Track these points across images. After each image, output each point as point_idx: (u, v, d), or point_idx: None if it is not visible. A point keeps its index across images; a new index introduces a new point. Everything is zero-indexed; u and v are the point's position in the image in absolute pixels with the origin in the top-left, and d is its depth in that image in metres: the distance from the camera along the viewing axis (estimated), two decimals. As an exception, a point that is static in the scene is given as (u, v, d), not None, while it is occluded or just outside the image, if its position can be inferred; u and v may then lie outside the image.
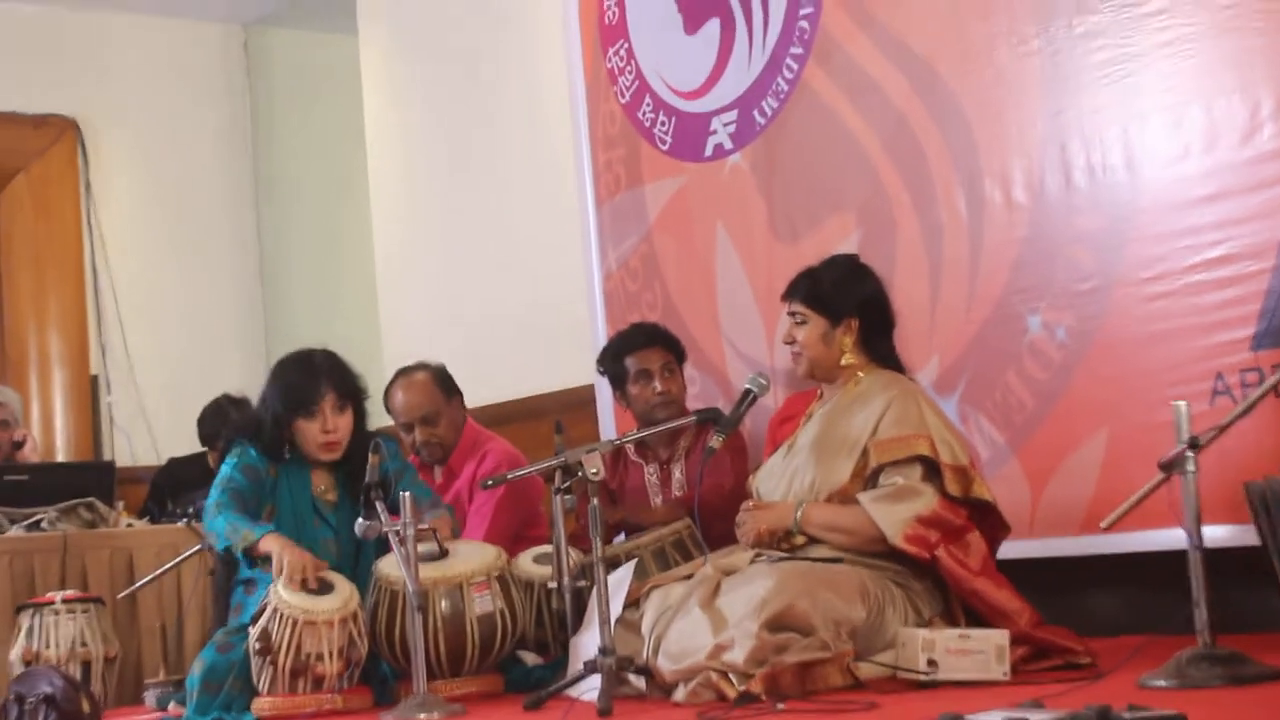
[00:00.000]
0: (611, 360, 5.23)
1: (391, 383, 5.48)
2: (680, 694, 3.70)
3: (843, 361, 4.20)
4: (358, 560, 4.63)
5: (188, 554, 5.59)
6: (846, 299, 4.19)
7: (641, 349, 5.16)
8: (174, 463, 7.24)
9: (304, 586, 4.27)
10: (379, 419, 5.00)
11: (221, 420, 6.50)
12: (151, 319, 8.69)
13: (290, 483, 4.65)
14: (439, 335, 7.16)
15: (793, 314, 4.25)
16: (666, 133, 5.80)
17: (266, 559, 4.40)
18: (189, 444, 7.19)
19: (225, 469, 4.62)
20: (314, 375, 4.62)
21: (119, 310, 8.56)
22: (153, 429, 8.39)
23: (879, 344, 4.24)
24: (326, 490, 4.71)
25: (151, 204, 8.84)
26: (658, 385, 5.10)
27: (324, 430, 4.61)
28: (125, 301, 8.59)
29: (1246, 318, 4.05)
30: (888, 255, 4.88)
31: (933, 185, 4.84)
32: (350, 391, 4.68)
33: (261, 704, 4.28)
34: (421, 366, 5.46)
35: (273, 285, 9.09)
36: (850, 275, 4.25)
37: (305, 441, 4.63)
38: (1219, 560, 3.33)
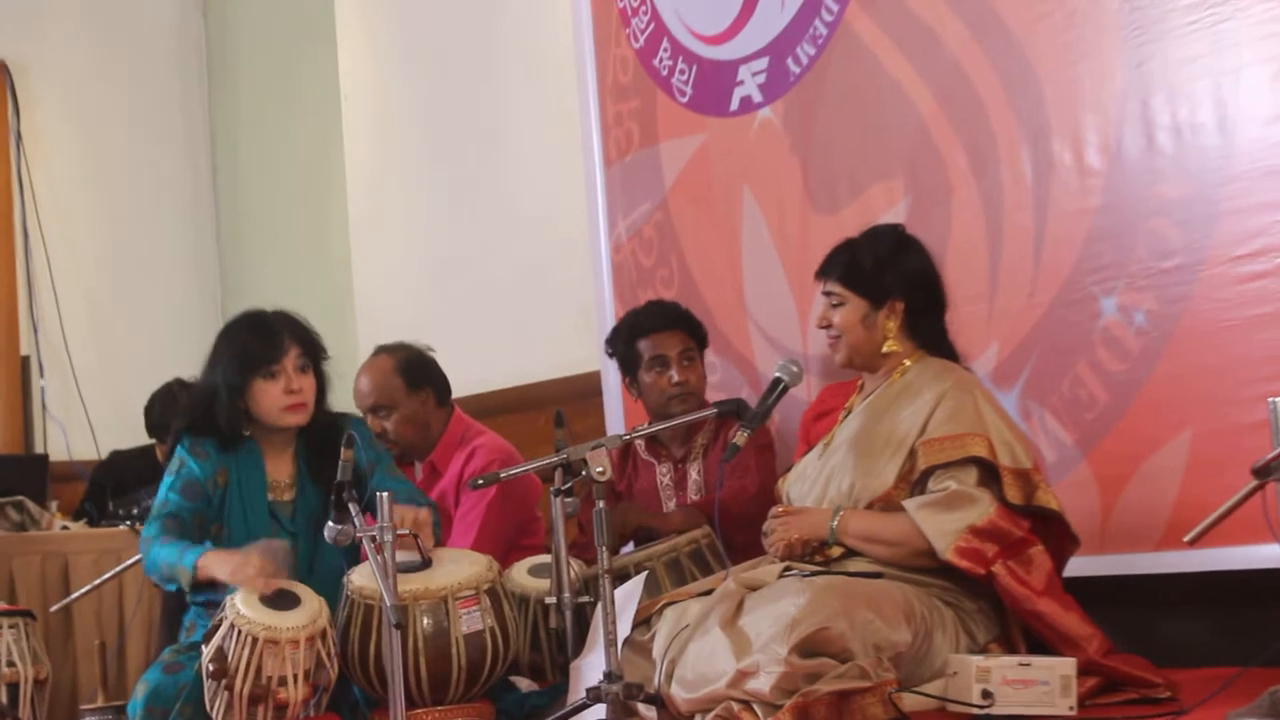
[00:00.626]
0: (623, 343, 5.24)
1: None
2: (697, 727, 3.71)
3: (886, 348, 4.20)
4: (313, 565, 4.62)
5: (131, 562, 5.60)
6: (891, 277, 4.19)
7: (658, 332, 5.17)
8: (116, 457, 7.25)
9: (264, 598, 4.27)
10: (350, 403, 5.02)
11: (172, 408, 6.51)
12: (91, 292, 8.70)
13: (242, 487, 4.64)
14: (422, 314, 7.17)
15: (829, 294, 4.25)
16: (686, 83, 5.79)
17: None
18: (133, 436, 7.20)
19: (162, 487, 4.63)
20: (272, 330, 4.63)
21: (53, 281, 8.57)
22: (92, 418, 8.40)
23: (928, 329, 4.24)
24: (284, 487, 4.71)
25: (92, 159, 8.85)
26: (675, 374, 5.10)
27: (287, 390, 4.61)
28: (61, 271, 8.60)
29: (1356, 302, 4.05)
30: (940, 227, 4.88)
31: (993, 146, 4.83)
32: (313, 350, 4.69)
33: (215, 734, 4.28)
34: (396, 349, 5.48)
35: (232, 256, 9.10)
36: (895, 249, 4.25)
37: (265, 408, 4.62)
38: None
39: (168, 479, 4.62)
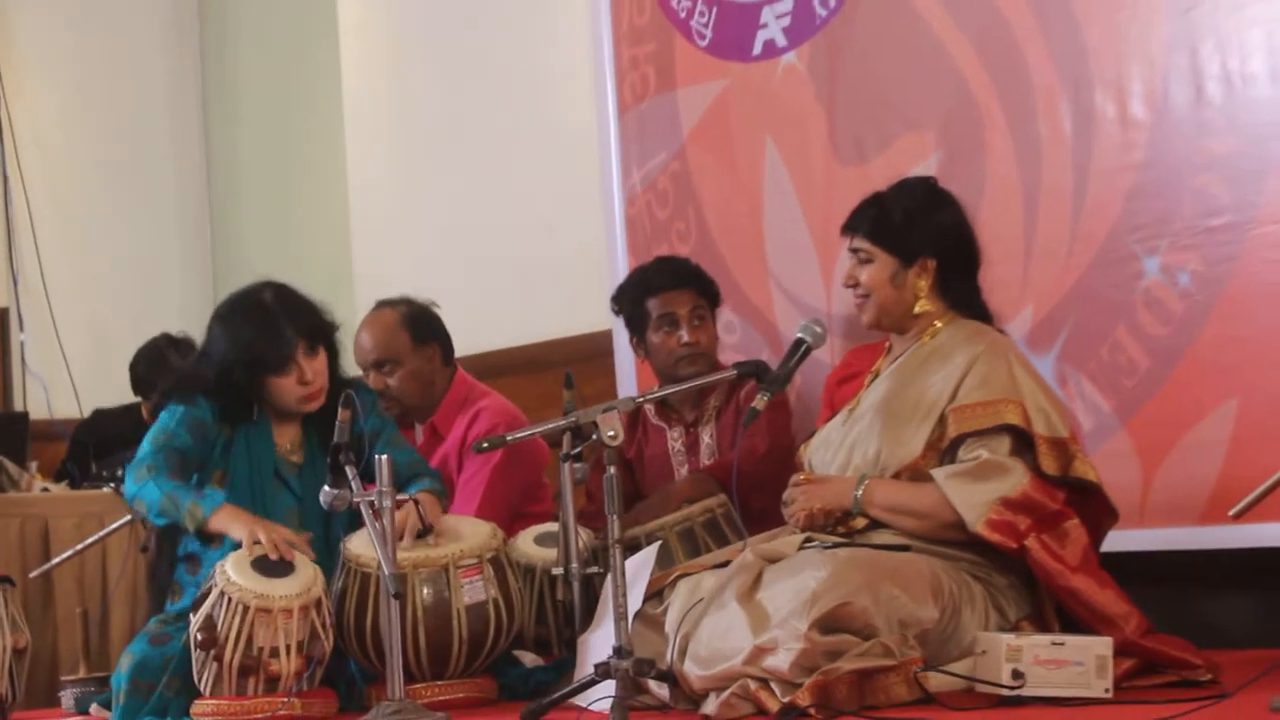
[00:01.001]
0: (630, 302, 5.24)
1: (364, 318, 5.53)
2: (711, 705, 3.72)
3: (916, 309, 4.20)
4: (327, 536, 4.65)
5: (115, 526, 5.61)
6: (922, 233, 4.19)
7: (667, 290, 5.17)
8: (99, 415, 7.25)
9: (255, 564, 4.27)
10: (347, 365, 5.02)
11: (159, 365, 6.52)
12: (74, 241, 8.69)
13: (249, 438, 4.66)
14: (424, 270, 7.15)
15: (856, 251, 4.24)
16: (706, 25, 5.78)
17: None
18: (118, 393, 7.20)
19: (165, 419, 4.62)
20: (274, 324, 4.63)
21: (34, 229, 8.56)
22: (74, 375, 8.40)
23: (961, 288, 4.24)
24: (292, 449, 4.72)
25: (76, 102, 8.83)
26: (684, 334, 5.10)
27: (301, 383, 4.63)
28: (43, 219, 8.59)
29: None
30: (974, 181, 4.87)
31: (1031, 96, 4.82)
32: (317, 331, 4.69)
33: (203, 708, 4.30)
34: (399, 302, 5.48)
35: (222, 206, 9.09)
36: (926, 203, 4.24)
37: (280, 399, 4.66)
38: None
39: (175, 409, 4.61)
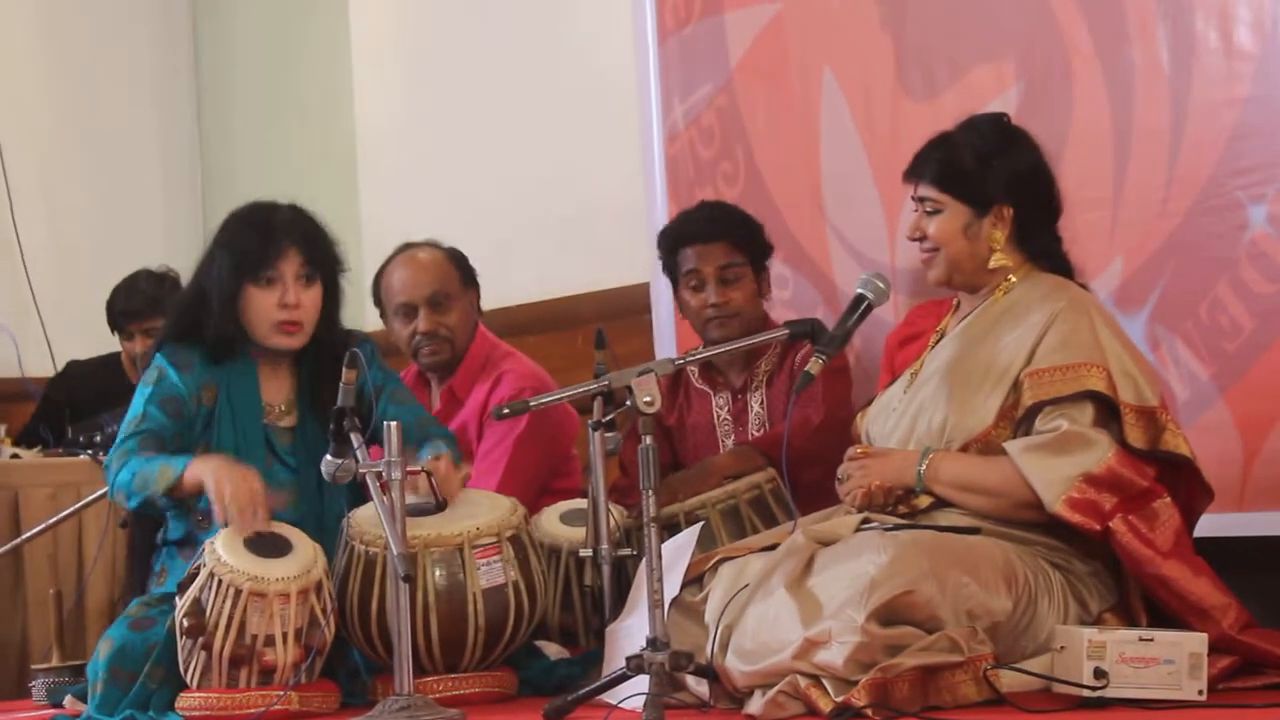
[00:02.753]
0: (666, 251, 5.26)
1: (388, 262, 5.58)
2: (756, 704, 3.74)
3: (993, 263, 4.21)
4: (323, 511, 4.67)
5: (93, 497, 5.63)
6: (997, 177, 4.19)
7: (699, 242, 5.18)
8: (74, 369, 7.25)
9: (249, 543, 4.29)
10: (354, 319, 5.03)
11: (136, 299, 6.56)
12: (47, 177, 8.71)
13: (233, 407, 4.67)
14: (439, 215, 7.15)
15: (922, 200, 4.24)
16: (758, -59, 5.78)
17: (205, 511, 4.44)
18: (96, 344, 7.22)
19: (136, 401, 4.65)
20: (271, 228, 4.65)
21: (3, 164, 8.59)
22: (47, 325, 8.41)
23: (1039, 238, 4.24)
24: (283, 412, 4.73)
25: (49, 17, 8.83)
26: (711, 294, 5.12)
27: (281, 304, 4.62)
28: (11, 152, 8.61)
29: None
30: (1057, 118, 4.86)
31: (1123, 21, 4.80)
32: (320, 258, 4.70)
33: (190, 701, 4.32)
34: (435, 243, 5.55)
35: (214, 137, 9.10)
36: (1000, 144, 4.25)
37: (254, 321, 4.64)
38: None
39: (144, 389, 4.63)
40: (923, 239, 4.24)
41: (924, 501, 4.08)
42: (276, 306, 4.61)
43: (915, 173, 4.27)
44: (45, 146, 8.72)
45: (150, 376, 4.66)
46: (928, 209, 4.22)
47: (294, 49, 8.65)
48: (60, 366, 7.59)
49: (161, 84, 9.08)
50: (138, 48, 9.02)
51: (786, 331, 4.54)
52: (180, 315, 4.73)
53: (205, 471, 4.40)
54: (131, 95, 8.98)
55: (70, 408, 6.83)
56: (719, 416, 5.25)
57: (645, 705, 3.66)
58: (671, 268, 5.26)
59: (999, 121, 4.32)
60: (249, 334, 4.65)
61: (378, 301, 5.58)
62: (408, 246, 5.59)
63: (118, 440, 4.61)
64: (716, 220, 5.25)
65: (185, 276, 4.90)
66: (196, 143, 9.13)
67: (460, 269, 5.54)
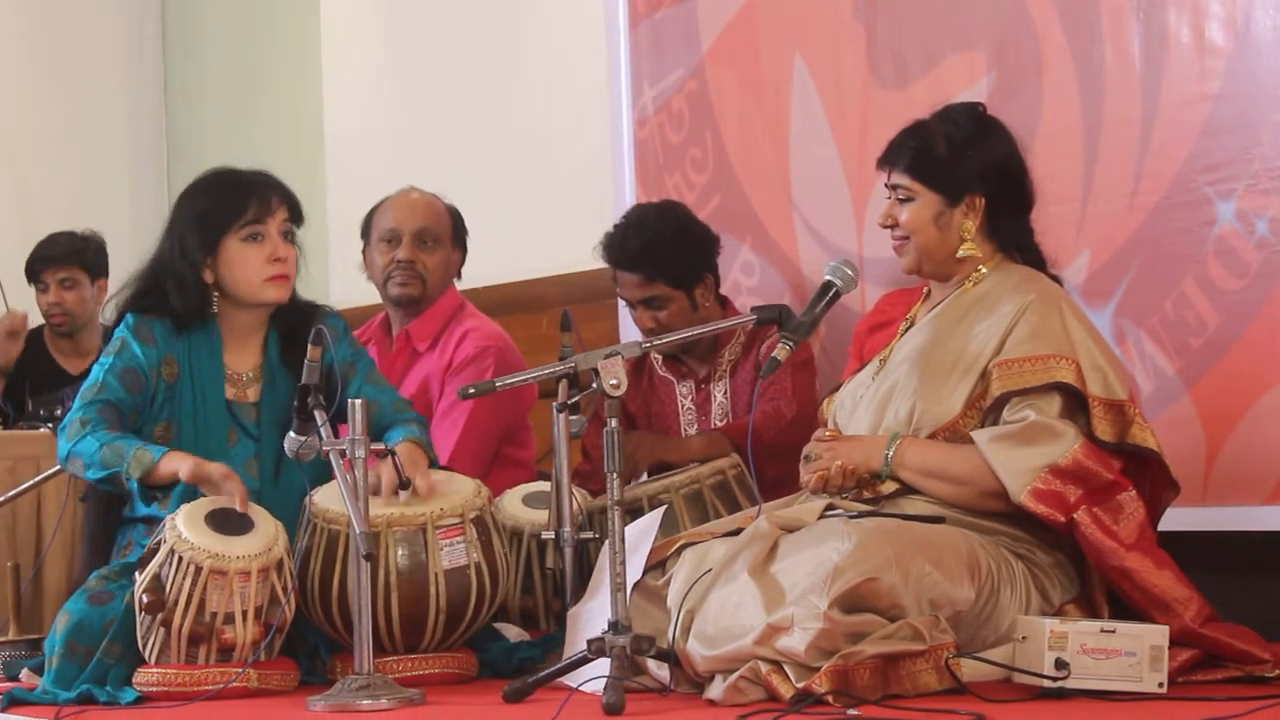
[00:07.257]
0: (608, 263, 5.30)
1: (380, 203, 5.65)
2: (717, 690, 3.73)
3: (962, 252, 4.20)
4: (276, 484, 4.63)
5: (52, 471, 5.60)
6: (969, 167, 4.18)
7: (619, 268, 5.22)
8: (34, 338, 7.23)
9: (210, 519, 4.27)
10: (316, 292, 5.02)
11: (57, 248, 6.83)
12: (11, 149, 8.67)
13: (195, 380, 4.64)
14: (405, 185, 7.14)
15: (895, 187, 4.23)
16: (731, -74, 5.77)
17: (168, 488, 4.42)
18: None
19: (95, 371, 4.61)
20: (253, 185, 4.63)
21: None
22: (6, 293, 8.36)
23: (1011, 229, 4.24)
24: (247, 382, 4.69)
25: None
26: (643, 319, 5.17)
27: (272, 258, 4.59)
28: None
29: None
30: (1028, 110, 4.87)
31: (1096, 15, 4.81)
32: (298, 218, 4.70)
33: (147, 676, 4.29)
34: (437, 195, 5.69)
35: (180, 112, 9.07)
36: (974, 133, 4.24)
37: (242, 278, 4.60)
38: None
39: (105, 359, 4.60)
40: (894, 226, 4.23)
41: (889, 487, 4.07)
42: (266, 261, 4.59)
43: (889, 160, 4.26)
44: (11, 119, 8.69)
45: (113, 346, 4.62)
46: (900, 196, 4.22)
47: (263, 23, 8.63)
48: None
49: (129, 57, 9.05)
50: (106, 20, 8.99)
51: (754, 318, 4.52)
52: (143, 281, 4.69)
53: (181, 460, 4.40)
54: (99, 69, 8.96)
55: (31, 379, 6.82)
56: (683, 405, 5.25)
57: (605, 688, 3.66)
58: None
59: (974, 111, 4.31)
60: (228, 293, 4.62)
61: (365, 234, 5.63)
62: (412, 189, 5.67)
63: (76, 406, 4.57)
64: (630, 251, 5.20)
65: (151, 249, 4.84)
66: (163, 118, 9.10)
67: (455, 223, 5.63)
